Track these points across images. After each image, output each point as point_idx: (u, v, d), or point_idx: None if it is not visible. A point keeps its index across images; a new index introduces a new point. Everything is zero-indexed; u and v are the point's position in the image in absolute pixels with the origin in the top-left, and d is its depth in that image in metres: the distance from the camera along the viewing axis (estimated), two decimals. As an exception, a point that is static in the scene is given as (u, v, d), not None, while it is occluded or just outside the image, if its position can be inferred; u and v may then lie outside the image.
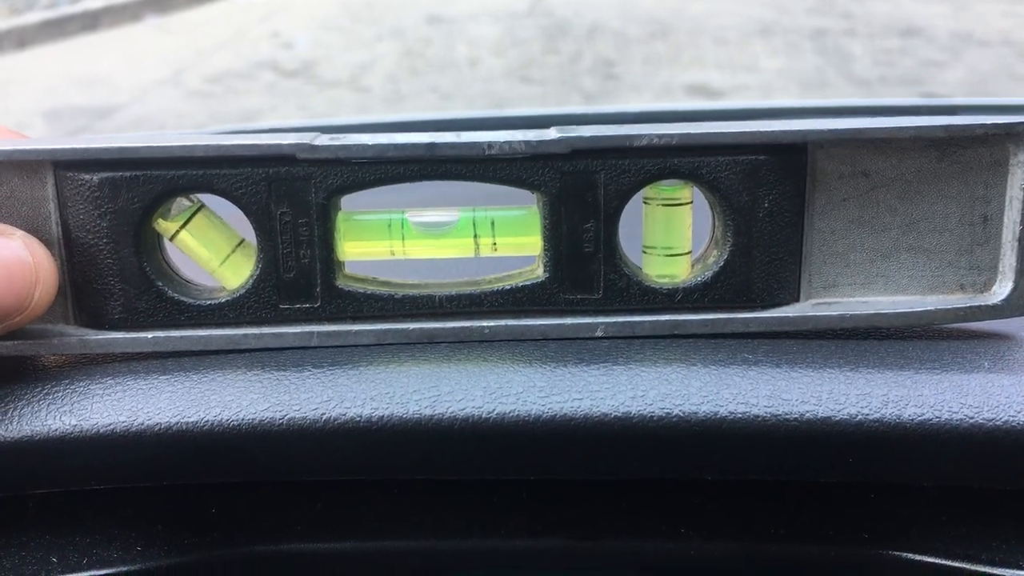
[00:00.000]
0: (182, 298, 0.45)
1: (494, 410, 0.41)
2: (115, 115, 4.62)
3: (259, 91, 5.12)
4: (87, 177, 0.43)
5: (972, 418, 0.41)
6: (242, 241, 0.46)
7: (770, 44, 5.77)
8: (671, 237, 0.46)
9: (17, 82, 5.24)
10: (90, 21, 6.55)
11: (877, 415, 0.41)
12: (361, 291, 0.46)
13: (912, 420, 0.41)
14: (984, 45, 5.63)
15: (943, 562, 0.46)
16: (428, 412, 0.41)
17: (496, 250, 0.46)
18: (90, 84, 5.21)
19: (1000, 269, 0.47)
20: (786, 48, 5.69)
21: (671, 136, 0.43)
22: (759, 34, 5.99)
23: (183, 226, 0.45)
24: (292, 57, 5.84)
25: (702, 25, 6.04)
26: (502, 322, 0.46)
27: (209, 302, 0.45)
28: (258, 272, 0.45)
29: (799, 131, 0.44)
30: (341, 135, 0.44)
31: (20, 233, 0.42)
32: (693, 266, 0.47)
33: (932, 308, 0.47)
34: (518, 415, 0.41)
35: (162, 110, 4.75)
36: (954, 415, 0.41)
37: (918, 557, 0.46)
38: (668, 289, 0.46)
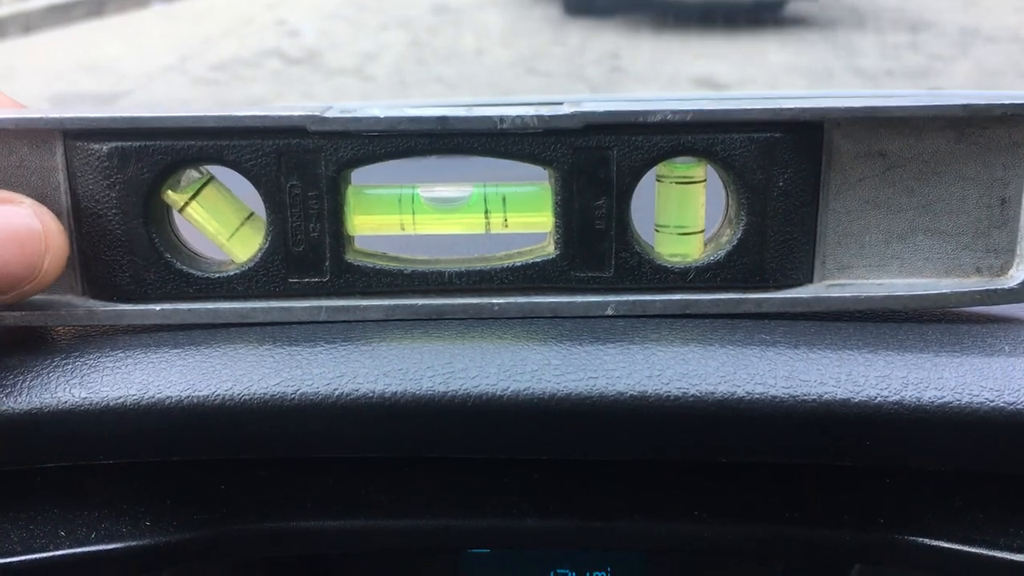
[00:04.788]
0: (190, 270, 0.45)
1: (508, 387, 0.41)
2: (120, 101, 4.61)
3: (264, 79, 5.12)
4: (96, 147, 0.42)
5: (993, 401, 0.40)
6: (251, 214, 0.46)
7: (779, 37, 5.76)
8: (684, 216, 0.46)
9: (23, 67, 5.23)
10: (95, 7, 6.55)
11: (896, 397, 0.40)
12: (370, 266, 0.45)
13: (932, 403, 0.40)
14: (993, 41, 5.61)
15: (959, 547, 0.45)
16: (442, 389, 0.41)
17: (507, 227, 0.46)
18: (96, 70, 5.21)
19: (1017, 252, 0.46)
20: (794, 41, 5.67)
21: (685, 112, 0.43)
22: (767, 27, 5.97)
23: (192, 198, 0.45)
24: (298, 45, 5.83)
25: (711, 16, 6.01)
26: (512, 299, 0.46)
27: (218, 275, 0.45)
28: (267, 245, 0.44)
29: (816, 109, 0.44)
30: (352, 107, 0.43)
31: (29, 201, 0.41)
32: (706, 245, 0.47)
33: (948, 291, 0.46)
34: (533, 393, 0.41)
35: (168, 97, 4.74)
36: (975, 398, 0.40)
37: (934, 542, 0.46)
38: (680, 268, 0.46)
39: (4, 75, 5.04)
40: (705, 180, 0.46)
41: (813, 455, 0.43)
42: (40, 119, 0.42)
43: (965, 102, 0.44)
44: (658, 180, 0.46)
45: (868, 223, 0.46)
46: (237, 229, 0.45)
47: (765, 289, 0.46)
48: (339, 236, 0.44)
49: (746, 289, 0.46)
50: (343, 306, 0.45)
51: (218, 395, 0.41)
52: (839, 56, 5.35)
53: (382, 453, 0.45)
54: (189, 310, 0.45)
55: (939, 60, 5.18)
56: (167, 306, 0.45)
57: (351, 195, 0.45)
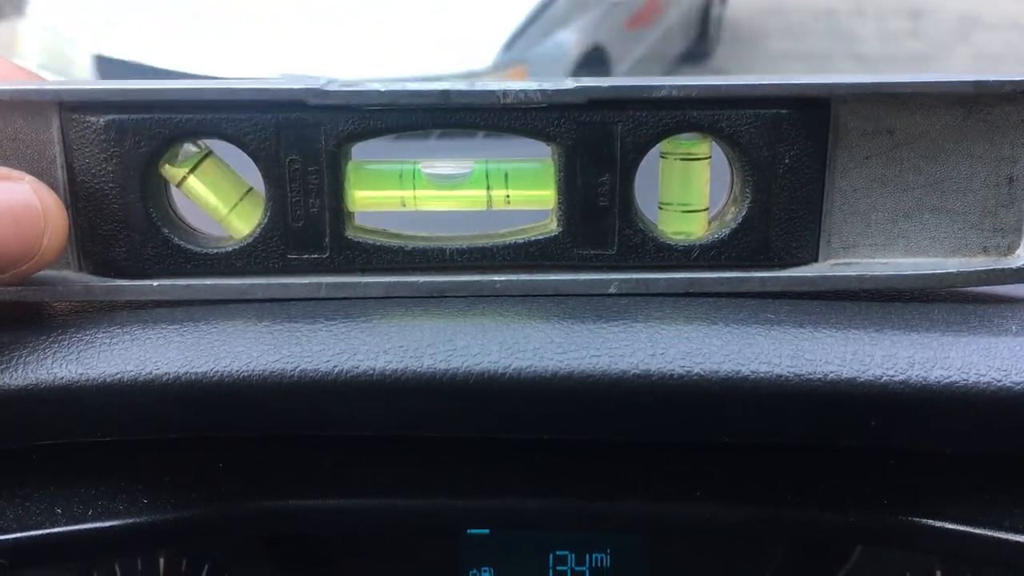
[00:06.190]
0: (188, 246, 0.44)
1: (510, 365, 0.40)
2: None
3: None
4: (93, 119, 0.42)
5: (1000, 381, 0.40)
6: (250, 189, 0.45)
7: (778, 24, 5.74)
8: (688, 193, 0.45)
9: (19, 47, 5.20)
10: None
11: (903, 377, 0.40)
12: (371, 242, 0.45)
13: (939, 382, 0.40)
14: (992, 28, 5.60)
15: (963, 528, 0.45)
16: (443, 366, 0.40)
17: (509, 203, 0.45)
18: (92, 53, 5.17)
19: None
20: (795, 28, 5.66)
21: (691, 87, 0.42)
22: (767, 13, 5.95)
23: (190, 172, 0.44)
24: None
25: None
26: (513, 277, 0.45)
27: (216, 251, 0.44)
28: (266, 221, 0.44)
29: (823, 84, 0.43)
30: (353, 81, 0.43)
31: (28, 178, 0.41)
32: (710, 223, 0.46)
33: (954, 271, 0.46)
34: (535, 371, 0.40)
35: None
36: (982, 378, 0.40)
37: (938, 523, 0.45)
38: (684, 246, 0.45)
39: None
40: (710, 157, 0.45)
41: (818, 435, 0.43)
42: (36, 90, 0.41)
43: (974, 79, 0.43)
44: (662, 157, 0.45)
45: (874, 201, 0.46)
46: (236, 204, 0.45)
47: (770, 267, 0.46)
48: (339, 212, 0.44)
49: (751, 267, 0.45)
50: (343, 283, 0.45)
51: (216, 372, 0.40)
52: (839, 43, 5.34)
53: (382, 431, 0.44)
54: (187, 286, 0.44)
55: (939, 47, 5.18)
56: (165, 282, 0.44)
57: (351, 170, 0.44)
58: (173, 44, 3.01)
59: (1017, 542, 0.44)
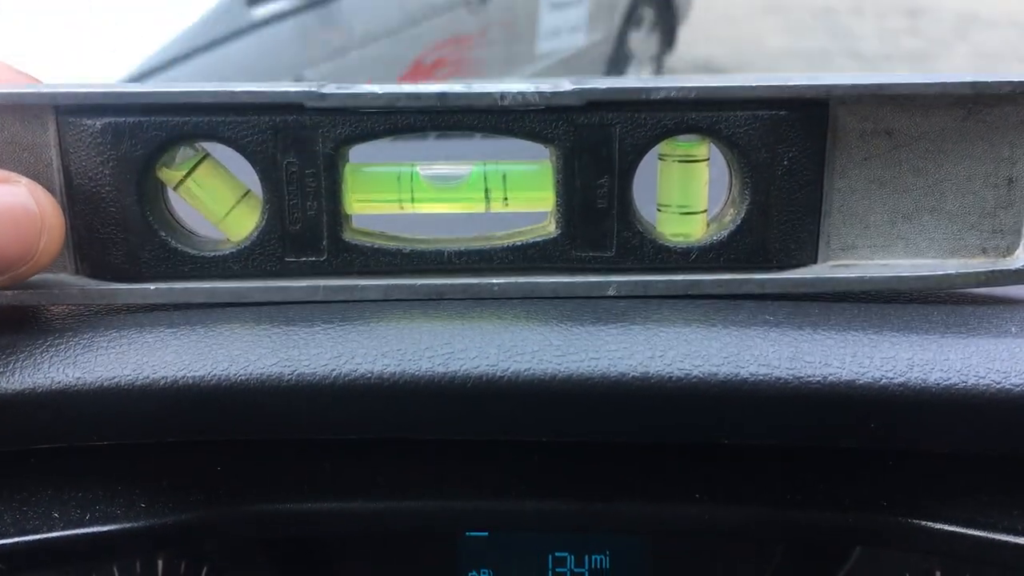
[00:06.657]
0: (186, 249, 0.44)
1: (509, 368, 0.40)
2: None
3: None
4: (89, 123, 0.42)
5: (999, 383, 0.40)
6: (248, 192, 0.45)
7: (777, 22, 5.74)
8: (687, 195, 0.45)
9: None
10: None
11: (902, 379, 0.40)
12: (368, 245, 0.45)
13: (938, 384, 0.40)
14: (991, 26, 5.60)
15: (962, 530, 0.45)
16: (441, 369, 0.40)
17: (507, 205, 0.45)
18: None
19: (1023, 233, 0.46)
20: (793, 26, 5.66)
21: (689, 89, 0.42)
22: (766, 11, 5.95)
23: (187, 175, 0.44)
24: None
25: (709, 1, 5.99)
26: (512, 279, 0.45)
27: (213, 254, 0.44)
28: (263, 224, 0.44)
29: (821, 86, 0.43)
30: (350, 84, 0.43)
31: (25, 180, 0.41)
32: (709, 225, 0.46)
33: (953, 272, 0.46)
34: (533, 374, 0.40)
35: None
36: (981, 380, 0.40)
37: (937, 525, 0.45)
38: (683, 248, 0.45)
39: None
40: (708, 159, 0.45)
41: (817, 437, 0.43)
42: (32, 94, 0.41)
43: (973, 79, 0.43)
44: (660, 159, 0.45)
45: (873, 203, 0.46)
46: (233, 207, 0.45)
47: (769, 269, 0.45)
48: (336, 215, 0.44)
49: (749, 269, 0.45)
50: (341, 286, 0.45)
51: (214, 375, 0.40)
52: (838, 41, 5.33)
53: (380, 435, 0.44)
54: (184, 289, 0.44)
55: (938, 44, 5.17)
56: (162, 285, 0.44)
57: (349, 173, 0.44)
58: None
59: (1016, 543, 0.44)
